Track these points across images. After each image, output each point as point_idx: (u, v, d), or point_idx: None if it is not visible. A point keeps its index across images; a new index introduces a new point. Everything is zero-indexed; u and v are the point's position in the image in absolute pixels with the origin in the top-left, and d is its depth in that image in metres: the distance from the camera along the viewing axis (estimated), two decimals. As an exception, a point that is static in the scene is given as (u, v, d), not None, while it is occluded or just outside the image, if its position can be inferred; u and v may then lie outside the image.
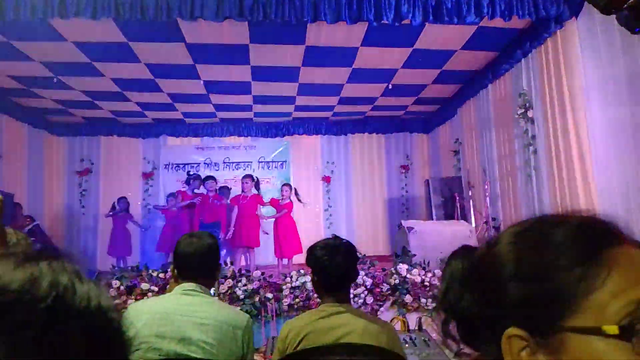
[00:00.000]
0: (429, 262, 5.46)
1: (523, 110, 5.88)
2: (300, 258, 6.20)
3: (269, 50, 6.13)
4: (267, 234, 7.25)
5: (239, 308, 4.56)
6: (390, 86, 7.66)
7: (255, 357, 2.22)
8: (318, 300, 2.13)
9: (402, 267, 5.41)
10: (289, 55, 6.30)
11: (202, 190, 7.53)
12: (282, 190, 7.21)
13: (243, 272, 5.44)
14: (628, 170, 4.29)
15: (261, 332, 4.86)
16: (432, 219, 7.76)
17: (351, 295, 4.81)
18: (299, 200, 7.24)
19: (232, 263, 5.71)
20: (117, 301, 4.98)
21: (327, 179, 10.12)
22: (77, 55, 6.06)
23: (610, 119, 4.50)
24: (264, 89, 7.72)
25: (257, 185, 7.19)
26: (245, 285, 5.15)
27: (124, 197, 8.35)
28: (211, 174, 8.49)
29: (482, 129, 7.31)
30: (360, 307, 5.01)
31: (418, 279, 5.31)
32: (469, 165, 7.93)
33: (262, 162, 9.82)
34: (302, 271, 5.32)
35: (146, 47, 5.95)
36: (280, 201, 7.10)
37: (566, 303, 0.56)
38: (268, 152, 9.89)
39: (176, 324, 1.89)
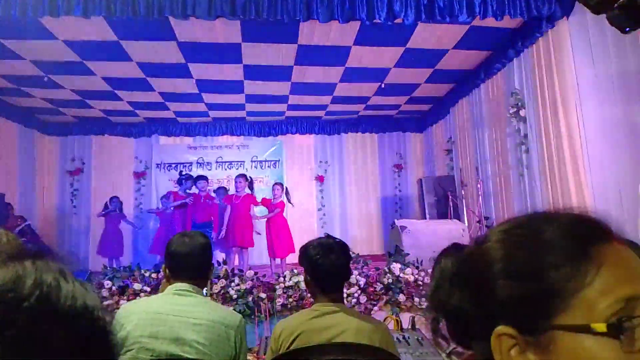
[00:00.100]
0: (422, 261, 5.48)
1: (515, 109, 5.91)
2: (293, 258, 6.19)
3: (262, 49, 6.12)
4: (259, 234, 7.23)
5: (232, 308, 4.56)
6: (383, 85, 7.68)
7: (248, 357, 2.21)
8: (312, 300, 2.13)
9: (396, 267, 5.42)
10: (281, 54, 6.29)
11: (194, 190, 7.50)
12: (273, 190, 7.18)
13: (236, 272, 5.43)
14: (620, 168, 4.32)
15: (254, 332, 4.85)
16: (426, 218, 7.78)
17: (345, 295, 4.83)
18: (289, 200, 7.22)
19: (225, 263, 5.69)
20: (109, 302, 4.96)
21: (320, 179, 10.13)
22: (68, 54, 6.02)
23: (602, 117, 4.53)
24: (257, 88, 7.70)
25: (250, 185, 7.16)
26: (238, 285, 5.13)
27: (116, 197, 8.29)
28: (204, 173, 8.48)
29: (474, 128, 7.34)
30: (353, 306, 5.02)
31: (411, 278, 5.32)
32: (462, 164, 7.96)
33: (255, 161, 9.80)
34: (295, 271, 5.32)
35: (138, 46, 5.91)
36: (272, 201, 7.08)
37: (555, 301, 0.56)
38: (261, 151, 9.87)
39: (168, 324, 1.88)
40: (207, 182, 7.62)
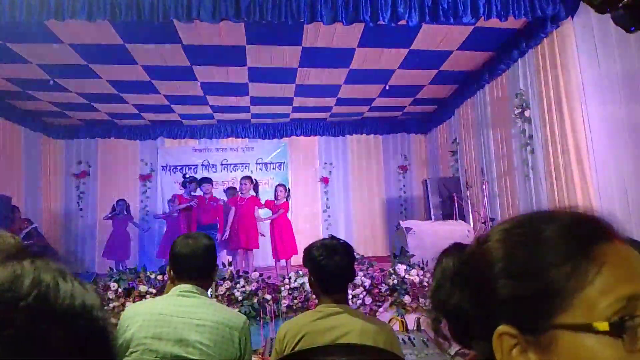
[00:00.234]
0: (427, 263, 5.46)
1: (520, 110, 5.89)
2: (298, 259, 6.17)
3: (266, 52, 6.13)
4: (263, 235, 7.23)
5: (237, 310, 4.56)
6: (387, 87, 7.67)
7: (253, 359, 2.21)
8: (317, 301, 2.13)
9: (401, 268, 5.40)
10: (285, 56, 6.30)
11: (198, 192, 7.52)
12: (276, 191, 7.17)
13: (241, 273, 5.43)
14: (625, 169, 4.30)
15: (260, 334, 4.84)
16: (431, 219, 7.75)
17: (350, 296, 4.82)
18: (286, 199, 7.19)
19: (230, 264, 5.70)
20: (115, 304, 4.97)
21: (325, 180, 10.13)
22: (73, 58, 6.06)
23: (607, 117, 4.51)
24: (261, 91, 7.72)
25: (255, 187, 7.16)
26: (243, 286, 5.13)
27: (123, 200, 8.32)
28: (209, 175, 8.49)
29: (479, 129, 7.32)
30: (358, 307, 5.00)
31: (416, 280, 5.30)
32: (466, 165, 7.94)
33: (260, 163, 9.82)
34: (300, 272, 5.30)
35: (142, 49, 5.94)
36: (275, 202, 7.08)
37: (556, 300, 0.55)
38: (266, 153, 9.89)
39: (173, 326, 1.88)
40: (212, 185, 7.64)
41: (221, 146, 9.96)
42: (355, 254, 2.23)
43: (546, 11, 4.84)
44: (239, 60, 6.35)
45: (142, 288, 5.09)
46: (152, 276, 5.30)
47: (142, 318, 1.91)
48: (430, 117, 9.72)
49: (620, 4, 2.39)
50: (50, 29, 5.21)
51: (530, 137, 5.74)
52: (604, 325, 0.52)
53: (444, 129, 9.17)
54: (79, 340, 0.45)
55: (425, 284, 5.30)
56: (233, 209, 6.98)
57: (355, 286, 5.11)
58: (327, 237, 2.21)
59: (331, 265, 2.01)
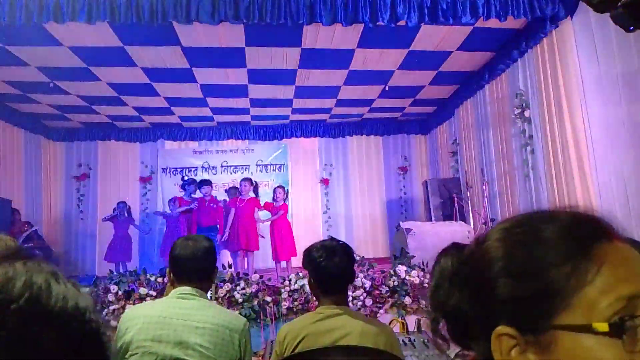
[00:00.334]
0: (427, 264, 5.44)
1: (520, 110, 5.89)
2: (298, 261, 6.17)
3: (265, 53, 6.13)
4: (263, 237, 7.23)
5: (237, 312, 4.55)
6: (387, 88, 7.67)
7: (252, 361, 2.21)
8: (317, 303, 2.12)
9: (401, 269, 5.39)
10: (285, 57, 6.30)
11: (198, 194, 7.51)
12: (275, 193, 7.17)
13: (241, 275, 5.43)
14: (625, 169, 4.29)
15: (260, 336, 4.84)
16: (431, 220, 7.75)
17: (350, 298, 4.82)
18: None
19: (230, 266, 5.69)
20: (115, 306, 4.97)
21: (325, 182, 10.12)
22: (73, 60, 6.06)
23: (607, 117, 4.50)
24: (261, 92, 7.72)
25: (255, 189, 7.16)
26: (243, 288, 5.13)
27: (123, 202, 8.31)
28: (209, 177, 8.50)
29: (479, 130, 7.32)
30: (359, 309, 5.00)
31: (417, 281, 5.30)
32: (467, 166, 7.93)
33: (260, 165, 9.81)
34: (300, 274, 5.30)
35: (142, 51, 5.94)
36: (274, 204, 7.07)
37: (556, 300, 0.55)
38: (266, 155, 9.88)
39: (172, 328, 1.88)
40: (211, 187, 7.63)
41: (221, 148, 9.96)
42: (355, 255, 2.22)
43: (545, 11, 4.84)
44: (238, 61, 6.35)
45: (142, 290, 5.09)
46: (152, 279, 5.30)
47: (142, 320, 1.90)
48: (430, 117, 9.72)
49: (619, 3, 2.39)
50: (50, 31, 5.21)
51: (530, 137, 5.74)
52: (603, 326, 0.51)
53: (444, 130, 9.16)
54: (72, 342, 0.45)
55: (426, 285, 5.29)
56: (233, 210, 6.98)
57: (355, 287, 5.10)
58: (327, 238, 2.21)
59: (331, 267, 2.01)
